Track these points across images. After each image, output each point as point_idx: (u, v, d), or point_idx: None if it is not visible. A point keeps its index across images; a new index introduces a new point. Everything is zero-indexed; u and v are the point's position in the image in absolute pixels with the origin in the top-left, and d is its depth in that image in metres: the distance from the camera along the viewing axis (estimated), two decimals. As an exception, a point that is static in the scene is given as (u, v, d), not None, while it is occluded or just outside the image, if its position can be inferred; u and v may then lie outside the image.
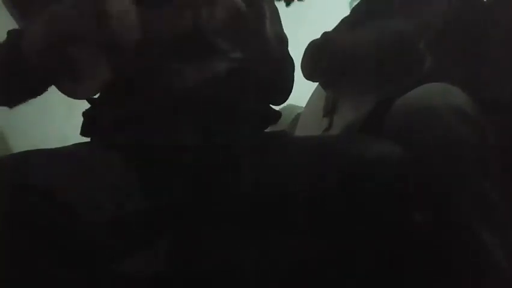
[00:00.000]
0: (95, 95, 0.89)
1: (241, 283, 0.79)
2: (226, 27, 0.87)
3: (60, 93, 0.88)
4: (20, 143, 1.41)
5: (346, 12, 1.39)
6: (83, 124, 0.92)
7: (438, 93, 0.86)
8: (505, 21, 1.04)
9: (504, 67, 0.99)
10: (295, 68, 1.08)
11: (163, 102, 0.87)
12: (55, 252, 0.64)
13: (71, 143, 0.83)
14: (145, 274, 0.75)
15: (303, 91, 1.38)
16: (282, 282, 0.79)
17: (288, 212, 0.78)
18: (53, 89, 0.92)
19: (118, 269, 0.71)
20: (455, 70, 1.02)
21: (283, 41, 1.05)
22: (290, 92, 1.08)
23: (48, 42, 0.78)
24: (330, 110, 1.29)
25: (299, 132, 1.52)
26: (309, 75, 1.31)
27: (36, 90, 0.90)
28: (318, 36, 1.32)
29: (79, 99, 0.86)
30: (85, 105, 0.94)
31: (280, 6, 1.06)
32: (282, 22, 1.08)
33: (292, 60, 1.07)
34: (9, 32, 0.89)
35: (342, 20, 1.32)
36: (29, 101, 0.92)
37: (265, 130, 0.99)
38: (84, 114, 0.92)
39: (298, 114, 1.72)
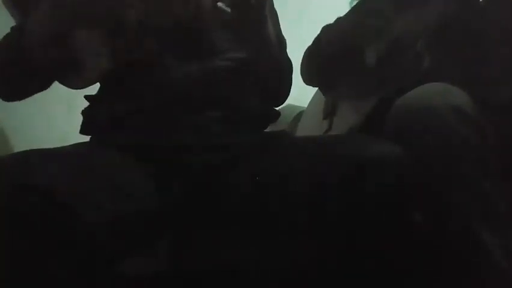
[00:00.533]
0: (94, 83, 0.89)
1: (241, 283, 0.79)
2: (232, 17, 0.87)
3: (60, 93, 0.88)
4: (20, 143, 1.41)
5: (346, 11, 1.38)
6: (82, 123, 0.92)
7: (438, 93, 0.86)
8: (502, 20, 1.04)
9: (504, 67, 0.99)
10: (293, 70, 1.08)
11: (162, 101, 0.87)
12: (55, 252, 0.64)
13: (71, 143, 0.83)
14: (145, 274, 0.75)
15: (303, 91, 1.38)
16: (282, 282, 0.79)
17: (288, 212, 0.78)
18: (53, 89, 0.92)
19: (118, 269, 0.71)
20: (454, 70, 1.02)
21: (282, 43, 1.06)
22: (288, 93, 1.08)
23: (49, 31, 0.78)
24: (330, 112, 1.29)
25: (300, 134, 1.53)
26: (308, 81, 1.31)
27: (40, 83, 0.90)
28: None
29: (78, 88, 0.86)
30: (84, 104, 0.94)
31: (280, 6, 1.06)
32: (282, 22, 1.08)
33: (291, 62, 1.07)
34: (12, 28, 0.89)
35: (337, 19, 1.31)
36: (29, 101, 0.92)
37: (265, 130, 0.99)
38: (83, 112, 0.92)
39: (299, 114, 1.72)
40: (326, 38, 1.21)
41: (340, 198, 0.74)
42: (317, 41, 1.25)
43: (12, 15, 0.93)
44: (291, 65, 1.07)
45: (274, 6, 1.08)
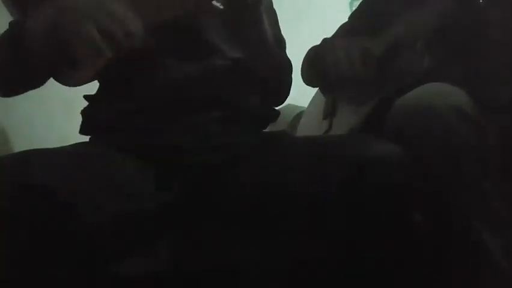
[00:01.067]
0: (90, 82, 0.88)
1: (241, 283, 0.79)
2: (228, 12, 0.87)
3: (60, 93, 0.88)
4: (20, 143, 1.41)
5: (346, 11, 1.39)
6: (82, 123, 0.91)
7: (438, 93, 0.87)
8: (502, 20, 1.04)
9: (503, 67, 0.99)
10: (292, 70, 1.08)
11: (162, 101, 0.87)
12: (55, 252, 0.64)
13: (71, 143, 0.83)
14: (145, 274, 0.75)
15: (303, 91, 1.39)
16: (282, 282, 0.78)
17: (288, 212, 0.78)
18: (53, 89, 0.92)
19: (118, 269, 0.71)
20: (454, 70, 1.02)
21: (281, 42, 1.06)
22: (288, 93, 1.08)
23: (49, 28, 0.78)
24: (330, 113, 1.29)
25: (299, 134, 1.53)
26: (308, 81, 1.31)
27: (37, 80, 0.89)
28: (318, 36, 1.32)
29: (74, 86, 0.85)
30: (84, 104, 0.93)
31: (280, 6, 1.06)
32: (282, 22, 1.08)
33: (290, 62, 1.07)
34: (10, 23, 0.89)
35: (342, 25, 1.33)
36: (29, 101, 0.92)
37: (265, 130, 0.99)
38: (83, 112, 0.92)
39: (299, 115, 1.72)
40: (327, 50, 1.21)
41: (340, 198, 0.74)
42: (319, 50, 1.25)
43: (11, 14, 0.93)
44: (291, 64, 1.07)
45: (274, 6, 1.08)
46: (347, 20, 1.35)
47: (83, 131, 0.91)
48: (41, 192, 0.64)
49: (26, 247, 0.63)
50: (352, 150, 0.77)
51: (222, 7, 0.87)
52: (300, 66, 1.30)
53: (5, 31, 0.87)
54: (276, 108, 1.05)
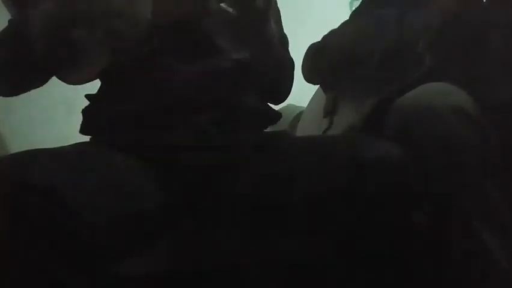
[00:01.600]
0: (91, 80, 0.88)
1: (241, 283, 0.79)
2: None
3: (60, 93, 0.88)
4: (20, 143, 1.41)
5: (346, 11, 1.38)
6: (82, 122, 0.91)
7: (438, 93, 0.87)
8: (503, 20, 1.04)
9: (504, 67, 0.99)
10: (294, 67, 1.08)
11: (163, 101, 0.86)
12: (55, 252, 0.64)
13: (71, 143, 0.83)
14: (145, 274, 0.75)
15: (303, 91, 1.38)
16: (282, 282, 0.78)
17: (289, 212, 0.78)
18: (53, 89, 0.92)
19: (118, 269, 0.71)
20: (455, 70, 1.02)
21: (284, 41, 1.05)
22: (289, 91, 1.08)
23: (51, 26, 0.78)
24: (330, 111, 1.29)
25: (300, 132, 1.53)
26: (309, 78, 1.31)
27: (38, 79, 0.89)
28: (319, 35, 1.32)
29: (75, 84, 0.85)
30: (84, 104, 0.93)
31: (282, 6, 1.06)
32: (283, 22, 1.08)
33: (293, 61, 1.07)
34: (10, 21, 0.89)
35: (342, 24, 1.33)
36: (29, 101, 0.91)
37: (266, 130, 0.99)
38: (83, 112, 0.92)
39: (299, 114, 1.72)
40: (329, 44, 1.21)
41: (340, 198, 0.74)
42: (322, 43, 1.25)
43: (11, 14, 0.93)
44: (293, 63, 1.07)
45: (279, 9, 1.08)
46: (349, 17, 1.35)
47: (83, 130, 0.91)
48: (41, 192, 0.64)
49: (26, 247, 0.63)
50: (352, 150, 0.77)
51: (231, 10, 0.87)
52: (301, 64, 1.30)
53: (3, 29, 0.87)
54: (276, 108, 1.05)
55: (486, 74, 1.00)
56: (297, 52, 1.19)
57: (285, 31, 1.08)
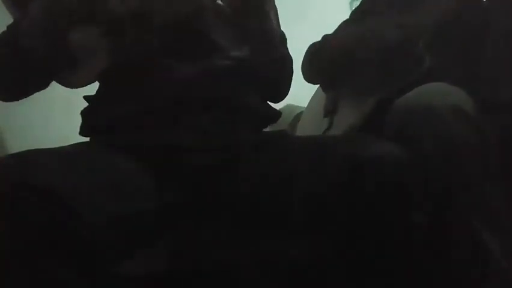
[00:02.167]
0: (91, 83, 0.88)
1: (241, 283, 0.79)
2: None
3: (60, 93, 0.88)
4: (20, 143, 1.41)
5: (346, 11, 1.38)
6: (81, 123, 0.91)
7: (438, 93, 0.87)
8: (502, 20, 1.04)
9: (504, 67, 0.99)
10: (293, 66, 1.08)
11: (162, 101, 0.86)
12: (55, 252, 0.64)
13: (71, 143, 0.83)
14: (145, 274, 0.75)
15: (303, 91, 1.38)
16: (282, 282, 0.78)
17: (288, 212, 0.78)
18: (53, 90, 0.92)
19: (118, 269, 0.71)
20: (455, 70, 1.02)
21: (283, 39, 1.05)
22: (288, 89, 1.08)
23: (48, 26, 0.78)
24: (330, 111, 1.29)
25: (300, 132, 1.53)
26: (309, 78, 1.31)
27: (39, 82, 0.89)
28: (318, 35, 1.32)
29: (75, 87, 0.86)
30: (84, 105, 0.93)
31: (281, 6, 1.06)
32: (283, 22, 1.08)
33: (291, 59, 1.07)
34: (8, 26, 0.89)
35: (342, 23, 1.33)
36: (29, 101, 0.91)
37: (265, 130, 0.99)
38: (82, 113, 0.92)
39: (299, 114, 1.72)
40: (329, 44, 1.21)
41: (340, 198, 0.74)
42: (322, 43, 1.25)
43: (11, 14, 0.93)
44: (292, 60, 1.07)
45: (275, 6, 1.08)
46: (349, 16, 1.35)
47: (83, 132, 0.91)
48: (41, 192, 0.64)
49: (25, 247, 0.63)
50: (352, 150, 0.77)
51: (225, 6, 0.87)
52: (301, 64, 1.30)
53: (2, 33, 0.87)
54: (276, 108, 1.05)
55: (486, 74, 1.00)
56: (297, 51, 1.19)
57: (285, 30, 1.08)
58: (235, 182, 0.83)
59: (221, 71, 0.91)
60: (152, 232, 0.78)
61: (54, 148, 0.76)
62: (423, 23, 1.10)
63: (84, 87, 0.90)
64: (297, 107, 1.78)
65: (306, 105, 1.57)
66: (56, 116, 1.55)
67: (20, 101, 0.92)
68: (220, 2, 0.89)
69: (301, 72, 1.30)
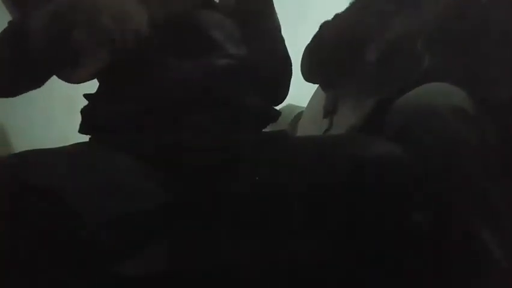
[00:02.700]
0: (91, 79, 0.88)
1: (241, 283, 0.79)
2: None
3: (60, 93, 0.88)
4: (20, 143, 1.41)
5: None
6: (81, 122, 0.91)
7: (438, 93, 0.87)
8: (502, 20, 1.04)
9: (504, 67, 0.99)
10: (292, 67, 1.08)
11: (161, 100, 0.86)
12: (55, 252, 0.64)
13: (71, 143, 0.83)
14: (145, 274, 0.75)
15: (303, 91, 1.38)
16: (282, 282, 0.78)
17: (288, 212, 0.78)
18: (53, 89, 0.92)
19: (118, 269, 0.71)
20: (454, 70, 1.02)
21: (282, 40, 1.06)
22: (287, 92, 1.08)
23: (52, 26, 0.78)
24: (330, 111, 1.29)
25: (300, 132, 1.53)
26: (308, 77, 1.31)
27: (38, 78, 0.89)
28: (318, 36, 1.31)
29: (75, 83, 0.85)
30: (84, 104, 0.93)
31: (280, 6, 1.06)
32: (283, 22, 1.08)
33: (290, 59, 1.07)
34: (9, 22, 0.88)
35: (336, 14, 1.32)
36: (29, 101, 0.91)
37: (265, 130, 0.99)
38: (82, 111, 0.92)
39: (299, 114, 1.72)
40: (326, 34, 1.21)
41: (340, 198, 0.74)
42: (317, 37, 1.25)
43: (11, 13, 0.93)
44: (291, 62, 1.07)
45: (274, 6, 1.08)
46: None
47: (82, 130, 0.91)
48: (41, 193, 0.64)
49: (25, 247, 0.63)
50: (352, 150, 0.77)
51: (224, 3, 0.87)
52: (300, 64, 1.30)
53: (3, 30, 0.87)
54: (276, 108, 1.05)
55: (486, 74, 0.99)
56: (297, 52, 1.19)
57: (285, 30, 1.08)
58: (235, 182, 0.83)
59: (221, 69, 0.91)
60: (152, 232, 0.78)
61: (55, 148, 0.76)
62: (423, 23, 1.10)
63: (85, 86, 0.90)
64: (297, 107, 1.78)
65: (306, 105, 1.57)
66: (57, 115, 1.55)
67: (20, 100, 0.92)
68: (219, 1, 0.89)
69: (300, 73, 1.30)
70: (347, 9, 1.28)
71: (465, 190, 0.81)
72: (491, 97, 0.93)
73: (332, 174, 0.75)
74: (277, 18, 1.07)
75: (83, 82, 0.86)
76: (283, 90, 1.07)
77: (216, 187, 0.84)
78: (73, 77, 0.83)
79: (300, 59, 1.30)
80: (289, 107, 1.72)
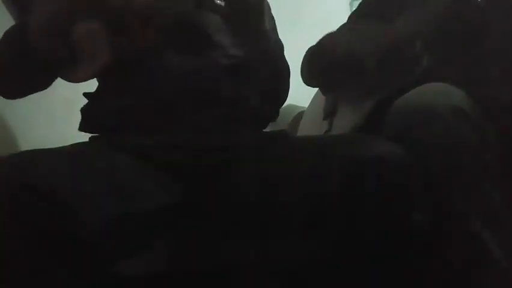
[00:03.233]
0: (92, 78, 0.88)
1: (241, 283, 0.79)
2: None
3: (60, 93, 0.88)
4: (20, 143, 1.41)
5: (346, 11, 1.38)
6: (81, 120, 0.91)
7: (438, 93, 0.87)
8: (502, 20, 1.04)
9: (504, 67, 0.99)
10: (290, 74, 1.08)
11: (161, 100, 0.86)
12: (55, 252, 0.64)
13: (71, 143, 0.83)
14: (145, 274, 0.75)
15: (303, 91, 1.38)
16: (282, 282, 0.78)
17: (288, 212, 0.78)
18: (53, 89, 0.92)
19: (118, 269, 0.71)
20: (454, 70, 1.02)
21: (280, 46, 1.06)
22: (286, 97, 1.08)
23: (52, 22, 0.78)
24: (330, 113, 1.29)
25: (300, 134, 1.53)
26: (308, 81, 1.31)
27: (40, 79, 0.89)
28: (318, 37, 1.32)
29: (76, 82, 0.85)
30: (84, 103, 0.93)
31: (279, 7, 1.06)
32: (282, 22, 1.08)
33: (288, 66, 1.07)
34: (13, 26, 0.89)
35: (341, 26, 1.33)
36: (29, 101, 0.91)
37: (265, 130, 0.99)
38: (82, 110, 0.92)
39: (299, 114, 1.72)
40: (327, 48, 1.21)
41: (340, 198, 0.74)
42: (318, 48, 1.26)
43: (11, 13, 0.93)
44: (289, 68, 1.07)
45: (274, 5, 1.08)
46: (346, 20, 1.35)
47: (82, 128, 0.91)
48: (41, 193, 0.64)
49: (25, 247, 0.63)
50: (352, 150, 0.77)
51: (223, 4, 0.88)
52: (300, 67, 1.30)
53: (5, 32, 0.87)
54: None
55: (486, 74, 0.99)
56: (296, 53, 1.19)
57: (284, 32, 1.08)
58: (235, 182, 0.83)
59: (221, 70, 0.91)
60: (152, 232, 0.78)
61: (55, 148, 0.76)
62: (423, 23, 1.10)
63: (85, 86, 0.90)
64: (297, 107, 1.78)
65: (306, 106, 1.57)
66: (57, 115, 1.55)
67: (21, 100, 0.92)
68: (219, 2, 0.89)
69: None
70: (348, 25, 1.28)
71: (465, 190, 0.81)
72: (491, 97, 0.93)
73: (332, 175, 0.75)
74: (276, 26, 1.07)
75: (84, 81, 0.86)
76: (282, 92, 1.07)
77: (216, 187, 0.84)
78: (74, 75, 0.83)
79: (300, 64, 1.30)
80: (289, 107, 1.72)
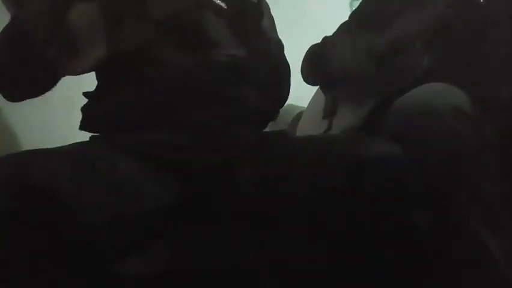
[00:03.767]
0: (89, 71, 0.88)
1: (241, 283, 0.79)
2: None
3: (60, 93, 0.88)
4: (20, 143, 1.41)
5: (346, 11, 1.38)
6: (82, 119, 0.91)
7: (438, 93, 0.87)
8: (502, 20, 1.04)
9: (504, 67, 0.99)
10: (291, 73, 1.08)
11: (161, 99, 0.86)
12: (55, 252, 0.64)
13: (71, 143, 0.83)
14: (145, 274, 0.75)
15: (303, 91, 1.38)
16: (281, 282, 0.78)
17: (288, 212, 0.78)
18: (53, 88, 0.92)
19: (118, 269, 0.71)
20: (454, 70, 1.02)
21: (280, 45, 1.06)
22: (286, 97, 1.08)
23: (47, 7, 0.77)
24: (330, 112, 1.29)
25: (300, 133, 1.53)
26: (309, 80, 1.32)
27: (41, 79, 0.88)
28: (318, 36, 1.32)
29: (73, 75, 0.85)
30: (84, 103, 0.93)
31: (280, 7, 1.06)
32: (282, 22, 1.08)
33: (289, 65, 1.07)
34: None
35: (342, 24, 1.33)
36: (29, 101, 0.91)
37: (265, 129, 0.99)
38: (82, 109, 0.92)
39: (299, 114, 1.72)
40: (328, 51, 1.22)
41: (340, 197, 0.74)
42: (319, 49, 1.26)
43: (11, 14, 0.93)
44: (289, 68, 1.07)
45: (274, 5, 1.08)
46: (347, 19, 1.35)
47: (82, 127, 0.91)
48: (41, 193, 0.64)
49: (25, 247, 0.63)
50: (352, 150, 0.77)
51: (223, 5, 0.88)
52: (300, 65, 1.30)
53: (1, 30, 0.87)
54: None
55: (486, 74, 1.00)
56: (297, 53, 1.19)
57: (284, 31, 1.08)
58: (235, 181, 0.83)
59: (221, 69, 0.91)
60: (152, 232, 0.78)
61: (54, 148, 0.76)
62: (423, 23, 1.10)
63: (85, 86, 0.90)
64: (297, 107, 1.78)
65: (306, 105, 1.57)
66: (56, 115, 1.55)
67: (27, 99, 0.91)
68: (219, 2, 0.89)
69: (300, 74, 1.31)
70: (349, 19, 1.28)
71: (465, 190, 0.81)
72: (490, 97, 0.93)
73: (332, 174, 0.75)
74: (275, 26, 1.07)
75: (83, 73, 0.86)
76: (282, 95, 1.07)
77: (216, 187, 0.84)
78: (71, 66, 0.82)
79: (301, 60, 1.30)
80: (289, 107, 1.72)
